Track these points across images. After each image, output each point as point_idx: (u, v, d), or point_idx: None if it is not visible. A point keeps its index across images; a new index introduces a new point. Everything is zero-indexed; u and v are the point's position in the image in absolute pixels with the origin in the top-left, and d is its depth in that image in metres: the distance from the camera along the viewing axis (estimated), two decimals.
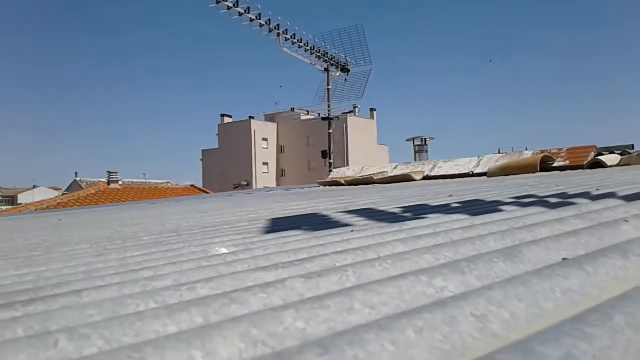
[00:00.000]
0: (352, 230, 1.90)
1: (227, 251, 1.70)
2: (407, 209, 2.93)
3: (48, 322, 0.93)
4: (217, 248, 1.78)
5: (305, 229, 2.22)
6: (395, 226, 1.94)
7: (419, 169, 9.74)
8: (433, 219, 2.11)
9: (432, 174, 9.48)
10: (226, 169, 46.61)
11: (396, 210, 2.88)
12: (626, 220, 1.40)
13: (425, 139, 15.77)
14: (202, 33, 73.80)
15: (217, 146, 49.07)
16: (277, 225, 2.65)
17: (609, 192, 2.60)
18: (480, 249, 1.28)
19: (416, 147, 15.65)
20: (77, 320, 0.92)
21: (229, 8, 13.36)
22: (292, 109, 16.91)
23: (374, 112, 49.83)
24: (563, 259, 1.09)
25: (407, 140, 15.98)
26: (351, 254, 1.34)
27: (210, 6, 13.25)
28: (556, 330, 0.58)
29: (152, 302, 1.02)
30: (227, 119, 49.29)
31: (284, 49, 14.81)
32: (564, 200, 2.46)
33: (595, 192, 2.72)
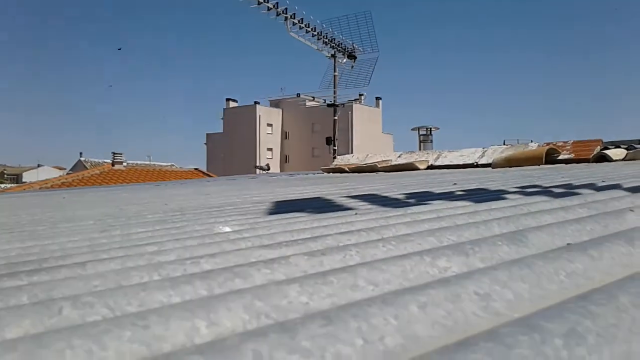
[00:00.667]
0: (355, 214, 1.90)
1: (230, 230, 1.70)
2: (411, 195, 2.92)
3: (52, 291, 0.93)
4: (220, 227, 1.79)
5: (309, 211, 2.22)
6: (400, 210, 1.94)
7: (423, 158, 9.72)
8: (437, 205, 2.11)
9: (437, 163, 9.46)
10: (230, 154, 46.62)
11: (400, 196, 2.88)
12: (632, 210, 1.39)
13: (430, 128, 15.71)
14: (209, 16, 73.46)
15: (222, 130, 49.03)
16: (281, 207, 2.65)
17: (614, 184, 2.59)
18: (484, 233, 1.28)
19: (421, 136, 15.59)
20: (82, 290, 0.92)
21: None
22: (298, 95, 16.84)
23: (380, 101, 49.62)
24: (568, 244, 1.08)
25: (412, 129, 15.92)
26: (355, 235, 1.34)
27: None
28: (560, 307, 0.58)
29: (156, 274, 1.02)
30: (232, 104, 49.18)
31: (291, 33, 14.72)
32: (569, 190, 2.45)
33: (600, 184, 2.71)
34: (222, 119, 49.26)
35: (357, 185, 4.63)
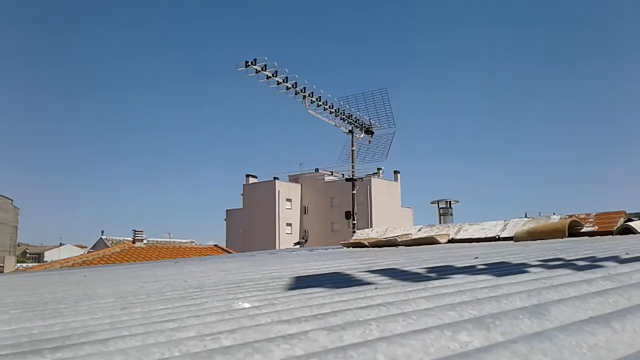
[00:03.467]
0: (375, 288, 1.89)
1: (249, 306, 1.70)
2: (431, 269, 2.90)
3: None
4: (240, 303, 1.79)
5: (329, 286, 2.22)
6: (420, 285, 1.93)
7: (444, 232, 9.64)
8: (458, 279, 2.09)
9: (458, 237, 9.37)
10: (250, 230, 46.78)
11: (420, 270, 2.86)
12: None
13: (450, 202, 15.70)
14: (228, 92, 75.85)
15: (241, 206, 49.50)
16: (300, 282, 2.65)
17: (639, 256, 2.55)
18: (506, 307, 1.26)
19: (441, 210, 15.56)
20: None
21: (257, 72, 13.81)
22: (316, 170, 17.10)
23: (398, 175, 49.98)
24: (590, 317, 1.07)
25: (432, 202, 15.92)
26: (375, 309, 1.33)
27: (239, 70, 13.76)
28: None
29: (177, 350, 1.03)
30: (252, 179, 49.92)
31: (310, 111, 15.16)
32: (593, 263, 2.41)
33: (624, 256, 2.67)
34: (241, 194, 49.86)
35: (377, 259, 4.60)
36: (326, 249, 11.38)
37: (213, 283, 3.06)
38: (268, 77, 14.13)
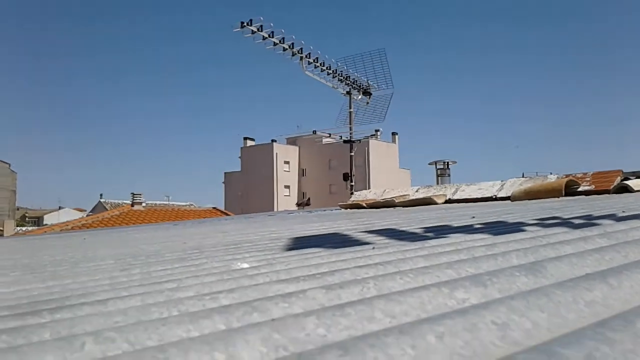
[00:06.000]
0: (373, 248, 1.90)
1: (248, 266, 1.71)
2: (429, 229, 2.91)
3: (74, 328, 0.95)
4: (238, 263, 1.80)
5: (327, 246, 2.23)
6: (418, 244, 1.93)
7: (441, 193, 9.67)
8: (455, 238, 2.10)
9: (455, 197, 9.40)
10: (248, 192, 46.91)
11: (418, 230, 2.87)
12: None
13: (447, 162, 15.69)
14: (225, 55, 74.82)
15: (239, 169, 49.50)
16: (299, 243, 2.66)
17: (635, 214, 2.56)
18: (503, 264, 1.27)
19: (438, 170, 15.57)
20: (103, 326, 0.94)
21: (253, 32, 13.56)
22: (314, 132, 17.00)
23: (396, 136, 49.84)
24: (587, 274, 1.08)
25: (430, 164, 15.92)
26: (372, 268, 1.34)
27: (234, 30, 13.52)
28: (578, 334, 0.58)
29: (176, 310, 1.03)
30: (249, 142, 49.77)
31: (307, 72, 14.97)
32: (589, 221, 2.42)
33: (621, 214, 2.68)
34: (239, 157, 49.80)
35: (375, 220, 4.62)
36: (324, 211, 11.43)
37: (211, 245, 3.08)
38: (264, 38, 13.91)
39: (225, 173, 51.37)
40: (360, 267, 1.38)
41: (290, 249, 2.35)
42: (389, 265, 1.38)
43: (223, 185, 51.31)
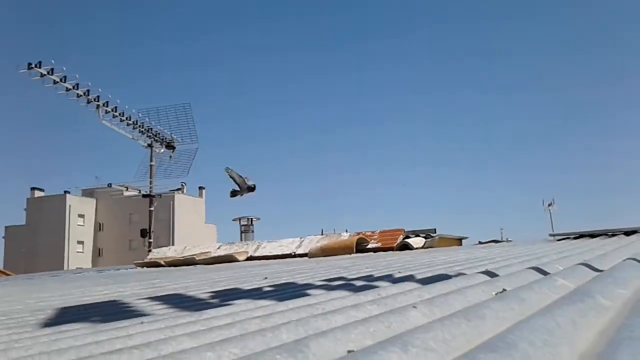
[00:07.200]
0: (142, 322, 1.70)
1: None
2: (217, 293, 2.77)
3: None
4: None
5: (94, 320, 1.96)
6: (194, 315, 1.78)
7: (243, 250, 9.64)
8: (237, 306, 2.00)
9: (257, 254, 9.44)
10: (35, 249, 41.88)
11: (205, 295, 2.72)
12: (414, 307, 1.42)
13: (252, 219, 15.84)
14: (8, 96, 66.90)
15: (24, 222, 44.11)
16: (64, 316, 2.31)
17: (408, 275, 2.73)
18: (271, 342, 1.18)
19: (242, 227, 15.62)
20: None
21: (42, 75, 12.36)
22: (109, 185, 15.89)
23: (203, 191, 49.33)
24: (349, 351, 1.04)
25: (234, 220, 15.90)
26: (125, 354, 1.15)
27: (21, 72, 12.17)
28: None
29: None
30: (38, 193, 44.90)
31: (104, 122, 14.04)
32: (369, 283, 2.52)
33: (397, 275, 2.85)
34: (25, 209, 44.49)
35: (167, 282, 4.34)
36: (118, 270, 10.60)
37: None
38: (55, 82, 12.73)
39: (6, 227, 45.29)
40: (111, 353, 1.18)
41: (47, 324, 2.01)
42: (146, 348, 1.20)
43: (3, 240, 45.12)
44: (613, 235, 6.58)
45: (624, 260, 2.40)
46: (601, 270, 2.16)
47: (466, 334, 1.14)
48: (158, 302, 2.53)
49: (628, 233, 6.50)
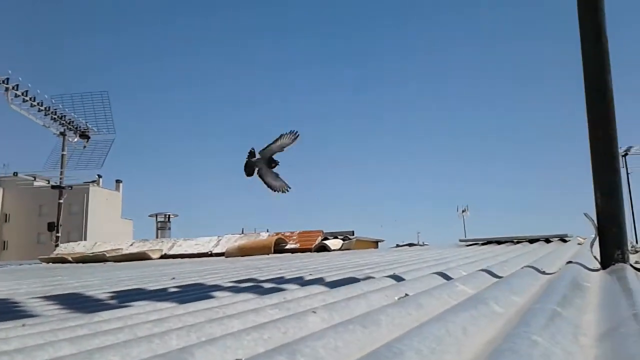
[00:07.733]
0: (23, 325, 1.57)
1: None
2: (118, 294, 2.64)
3: None
4: None
5: None
6: (85, 318, 1.67)
7: (157, 247, 9.34)
8: (136, 308, 1.90)
9: (171, 252, 9.17)
10: None
11: (104, 295, 2.58)
12: (314, 312, 1.40)
13: (169, 215, 15.37)
14: None
15: None
16: None
17: (319, 278, 2.72)
18: (157, 349, 1.12)
19: (159, 223, 15.11)
20: None
21: None
22: (15, 174, 14.88)
23: (120, 184, 47.37)
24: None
25: (150, 216, 15.37)
26: None
27: None
28: None
29: None
30: None
31: (13, 106, 13.14)
32: (278, 285, 2.48)
33: (308, 277, 2.83)
34: None
35: (69, 280, 4.10)
36: (20, 265, 9.95)
37: None
38: None
39: None
40: None
41: None
42: (19, 355, 1.10)
43: None
44: (518, 242, 6.93)
45: (522, 267, 2.51)
46: (500, 277, 2.25)
47: (360, 340, 1.13)
48: (51, 302, 2.37)
49: (532, 241, 6.88)
